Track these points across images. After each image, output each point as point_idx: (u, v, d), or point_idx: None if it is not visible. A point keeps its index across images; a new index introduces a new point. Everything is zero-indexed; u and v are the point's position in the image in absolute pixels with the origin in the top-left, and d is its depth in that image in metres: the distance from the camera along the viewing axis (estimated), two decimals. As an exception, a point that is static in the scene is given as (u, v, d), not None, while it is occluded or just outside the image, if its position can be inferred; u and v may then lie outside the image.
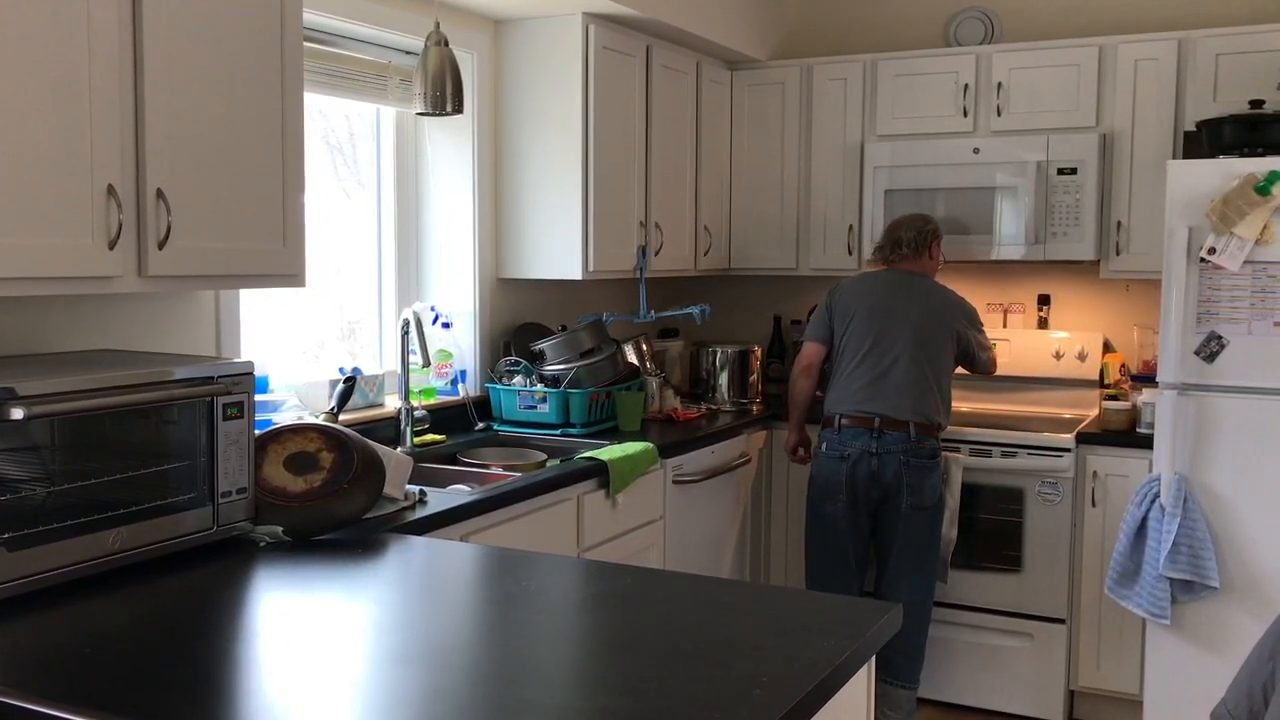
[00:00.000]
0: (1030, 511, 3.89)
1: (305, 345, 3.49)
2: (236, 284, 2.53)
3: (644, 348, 4.22)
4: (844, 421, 3.71)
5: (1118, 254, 4.04)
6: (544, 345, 3.81)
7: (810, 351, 3.90)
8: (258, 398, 2.58)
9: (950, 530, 3.84)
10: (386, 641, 1.80)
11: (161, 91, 2.24)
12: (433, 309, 3.77)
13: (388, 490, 2.53)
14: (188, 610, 1.93)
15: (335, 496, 2.35)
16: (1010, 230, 4.12)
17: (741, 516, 4.15)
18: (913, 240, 3.83)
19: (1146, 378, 4.06)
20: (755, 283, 4.90)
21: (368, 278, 3.73)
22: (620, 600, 2.00)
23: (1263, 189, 3.35)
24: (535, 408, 3.70)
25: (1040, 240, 4.08)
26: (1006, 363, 4.40)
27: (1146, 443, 3.67)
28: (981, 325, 3.90)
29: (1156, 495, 3.52)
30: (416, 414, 3.41)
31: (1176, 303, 3.47)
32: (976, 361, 3.88)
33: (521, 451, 3.55)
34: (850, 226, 4.43)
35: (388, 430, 3.36)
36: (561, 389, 3.69)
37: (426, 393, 3.66)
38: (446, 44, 3.28)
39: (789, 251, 4.57)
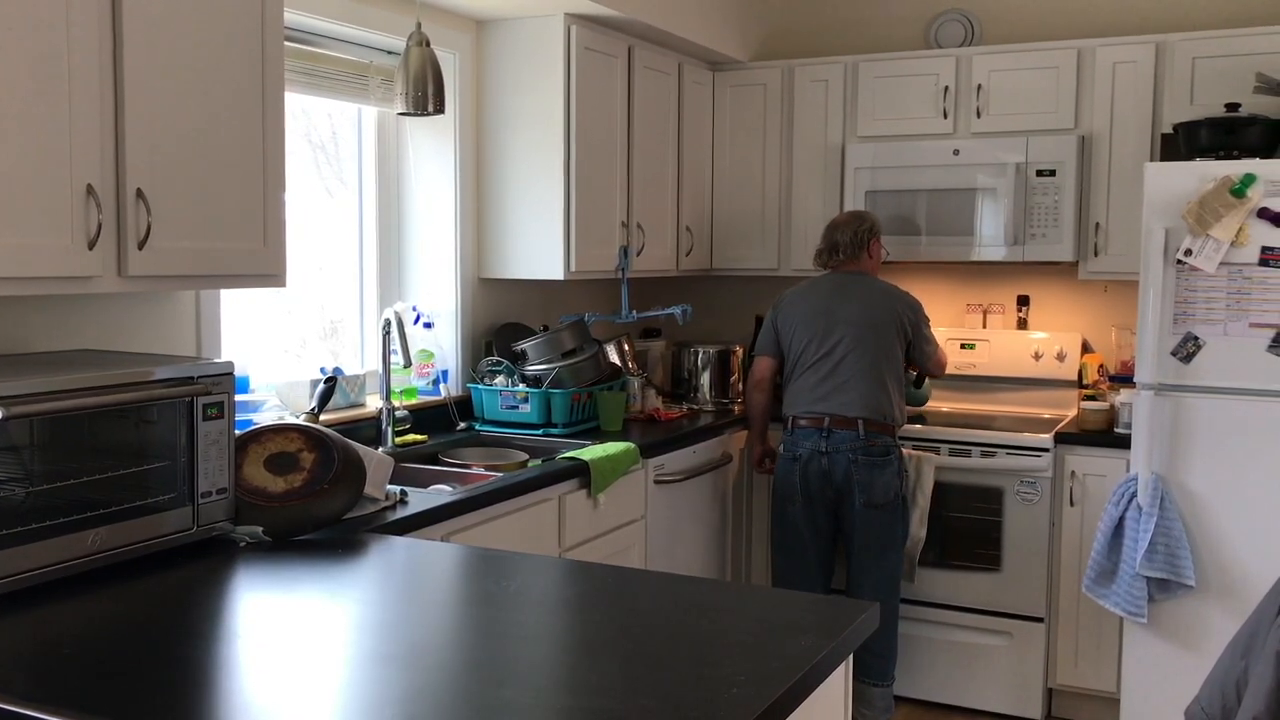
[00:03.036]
0: (1009, 511, 3.91)
1: (286, 345, 3.48)
2: (217, 284, 2.52)
3: (626, 348, 4.23)
4: (799, 423, 3.75)
5: (1096, 255, 4.07)
6: (526, 345, 3.81)
7: (761, 365, 3.93)
8: (238, 398, 2.57)
9: (920, 529, 3.87)
10: (367, 641, 1.80)
11: (141, 91, 2.24)
12: (414, 309, 3.77)
13: (369, 490, 2.53)
14: (167, 611, 1.93)
15: (316, 497, 2.35)
16: (990, 231, 4.15)
17: (722, 516, 4.16)
18: (849, 243, 3.84)
19: (1124, 378, 4.09)
20: (737, 283, 4.92)
21: (349, 277, 3.73)
22: (601, 600, 2.01)
23: (1238, 191, 3.39)
24: (517, 408, 3.70)
25: (1019, 241, 4.11)
26: (986, 363, 4.43)
27: (1124, 443, 3.70)
28: (927, 320, 3.89)
29: (1134, 495, 3.55)
30: (398, 414, 3.41)
31: (1154, 304, 3.50)
32: (923, 356, 3.88)
33: (503, 451, 3.55)
34: (831, 227, 4.44)
35: (369, 430, 3.36)
36: (543, 389, 3.69)
37: (408, 393, 3.66)
38: (428, 44, 3.28)
39: (770, 252, 4.59)
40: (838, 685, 1.85)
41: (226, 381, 2.30)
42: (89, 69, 2.15)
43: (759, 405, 3.97)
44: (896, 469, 3.74)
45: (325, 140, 3.63)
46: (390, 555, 2.26)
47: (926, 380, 4.17)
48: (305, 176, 3.52)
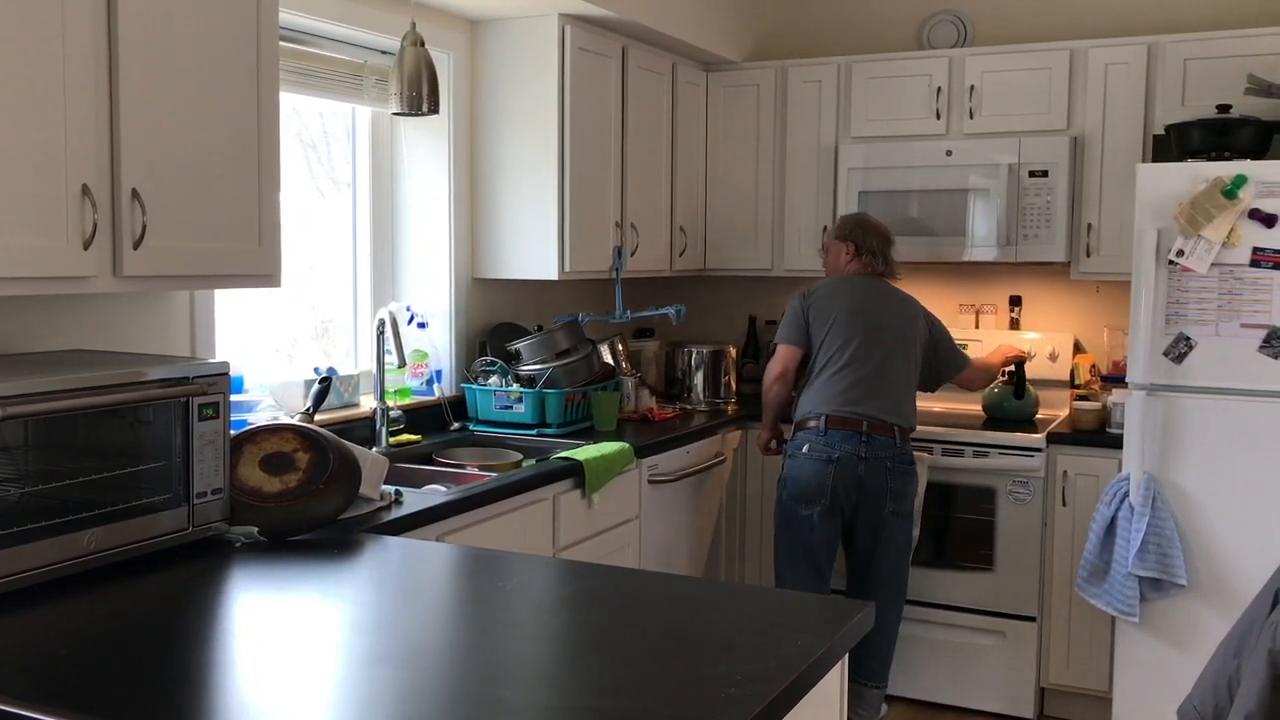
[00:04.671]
0: (1001, 511, 3.92)
1: (278, 344, 3.48)
2: (212, 284, 2.52)
3: (619, 348, 4.23)
4: (830, 423, 3.60)
5: (1088, 256, 4.09)
6: (520, 345, 3.81)
7: (786, 355, 3.78)
8: (233, 398, 2.58)
9: (913, 529, 3.89)
10: (363, 642, 1.81)
11: (136, 91, 2.24)
12: (408, 309, 3.77)
13: (364, 490, 2.53)
14: (163, 611, 1.93)
15: (311, 497, 2.35)
16: (982, 232, 4.16)
17: (716, 516, 4.17)
18: (887, 255, 3.83)
19: (1116, 378, 4.10)
20: (730, 283, 4.92)
21: (342, 277, 3.72)
22: (596, 600, 2.01)
23: (1230, 192, 3.40)
24: (511, 408, 3.71)
25: (1012, 242, 4.12)
26: (977, 362, 4.42)
27: (1116, 442, 3.71)
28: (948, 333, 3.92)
29: (1126, 494, 3.56)
30: (392, 414, 3.41)
31: (1145, 304, 3.51)
32: (958, 368, 3.89)
33: (497, 451, 3.55)
34: (824, 228, 4.45)
35: (363, 430, 3.36)
36: (537, 389, 3.69)
37: (402, 393, 3.66)
38: (423, 44, 3.29)
39: (764, 252, 4.60)
40: (834, 685, 1.85)
41: (222, 382, 2.29)
42: (84, 69, 2.14)
43: (779, 395, 3.80)
44: (918, 477, 3.74)
45: (316, 140, 3.62)
46: (385, 555, 2.26)
47: (1029, 390, 4.14)
48: (297, 176, 3.51)
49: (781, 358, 3.79)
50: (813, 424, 3.64)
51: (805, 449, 3.63)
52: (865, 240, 3.84)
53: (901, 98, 4.31)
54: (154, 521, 2.16)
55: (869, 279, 3.82)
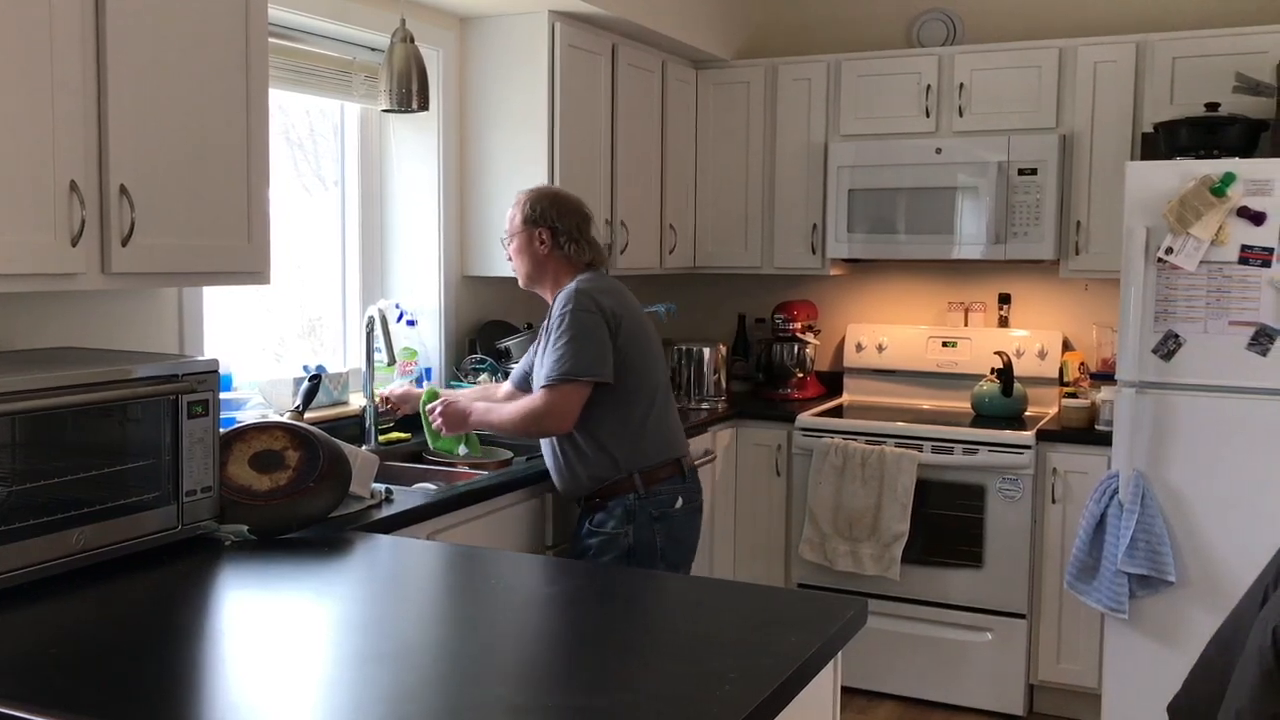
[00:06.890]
0: (991, 508, 3.93)
1: (265, 343, 3.47)
2: (200, 281, 2.51)
3: (609, 346, 4.21)
4: (687, 465, 3.03)
5: (1077, 253, 4.09)
6: (509, 343, 3.80)
7: (585, 396, 2.83)
8: (222, 396, 2.56)
9: (902, 526, 3.88)
10: (354, 640, 1.80)
11: (125, 87, 2.22)
12: (397, 306, 3.76)
13: (354, 489, 2.52)
14: (153, 610, 1.91)
15: (301, 495, 2.34)
16: (971, 230, 4.16)
17: (707, 513, 4.15)
18: (595, 242, 3.10)
19: (1105, 376, 4.12)
20: (720, 281, 4.92)
21: (331, 275, 3.71)
22: (588, 597, 2.01)
23: (1218, 190, 3.41)
24: (501, 406, 3.69)
25: (1001, 240, 4.12)
26: (968, 360, 4.44)
27: (1105, 440, 3.72)
28: None
29: (1115, 491, 3.57)
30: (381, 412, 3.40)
31: (1135, 302, 3.52)
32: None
33: (487, 449, 3.54)
34: (814, 226, 4.45)
35: (352, 428, 3.34)
36: (527, 387, 3.68)
37: (391, 391, 3.64)
38: (412, 41, 3.28)
39: (754, 250, 4.59)
40: (827, 682, 1.85)
41: (211, 379, 2.28)
42: (72, 64, 2.13)
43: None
44: None
45: (303, 138, 3.61)
46: (376, 554, 2.25)
47: (1017, 387, 4.12)
48: (283, 174, 3.50)
49: (580, 397, 2.82)
50: (668, 471, 2.94)
51: (679, 503, 2.95)
52: (562, 222, 3.02)
53: (891, 96, 4.32)
54: (143, 520, 2.15)
55: (612, 277, 3.15)
